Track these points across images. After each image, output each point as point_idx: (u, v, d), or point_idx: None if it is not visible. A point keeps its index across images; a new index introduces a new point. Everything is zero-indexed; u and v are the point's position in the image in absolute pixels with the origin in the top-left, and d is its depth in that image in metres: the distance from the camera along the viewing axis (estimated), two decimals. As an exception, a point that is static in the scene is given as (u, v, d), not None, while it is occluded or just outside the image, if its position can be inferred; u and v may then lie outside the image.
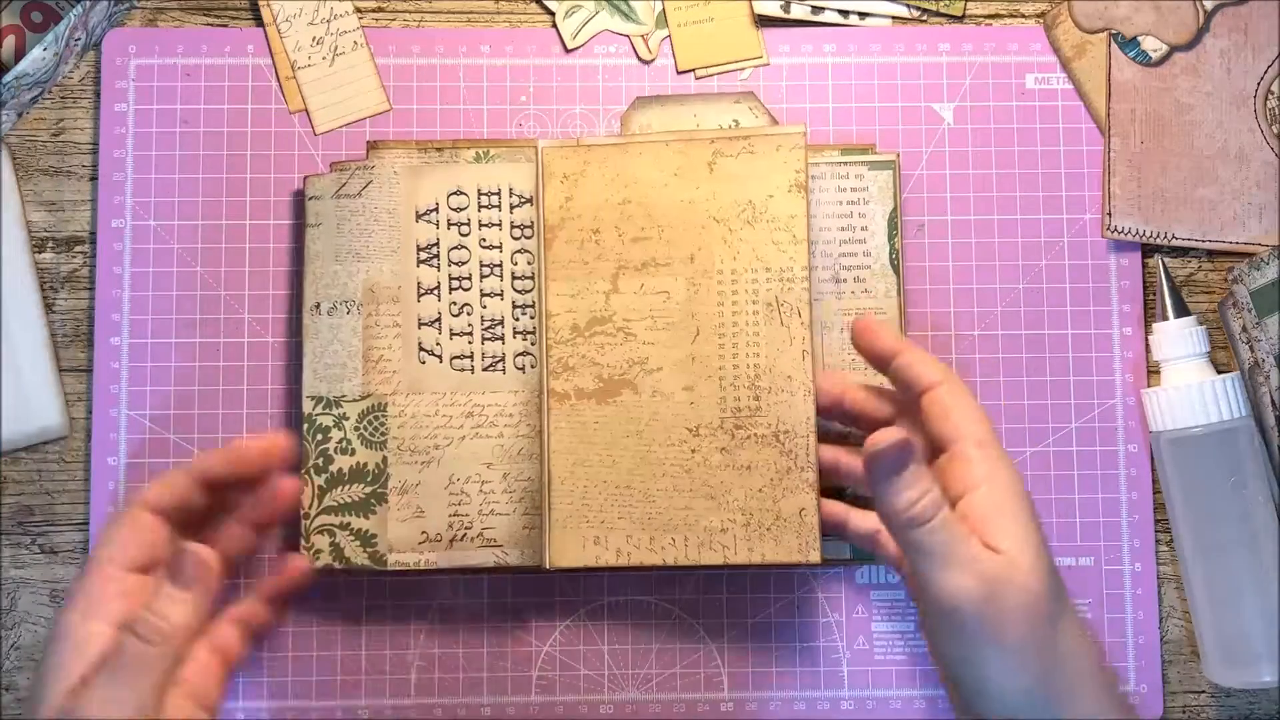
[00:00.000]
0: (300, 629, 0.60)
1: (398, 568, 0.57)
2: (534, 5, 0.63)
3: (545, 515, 0.57)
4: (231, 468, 0.54)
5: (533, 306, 0.58)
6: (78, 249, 0.61)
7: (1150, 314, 0.62)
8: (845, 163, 0.60)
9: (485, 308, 0.59)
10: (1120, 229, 0.61)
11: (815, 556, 0.55)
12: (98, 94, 0.61)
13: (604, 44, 0.62)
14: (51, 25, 0.61)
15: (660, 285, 0.57)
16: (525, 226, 0.59)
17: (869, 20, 0.63)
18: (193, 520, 0.55)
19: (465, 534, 0.57)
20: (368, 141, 0.60)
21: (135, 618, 0.49)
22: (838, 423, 0.57)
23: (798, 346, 0.56)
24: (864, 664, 0.60)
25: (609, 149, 0.58)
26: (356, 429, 0.58)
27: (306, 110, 0.62)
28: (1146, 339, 0.61)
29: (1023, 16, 0.63)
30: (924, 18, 0.63)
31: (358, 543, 0.57)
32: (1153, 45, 0.62)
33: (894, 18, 0.63)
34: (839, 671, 0.60)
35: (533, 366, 0.58)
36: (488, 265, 0.59)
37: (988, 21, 0.63)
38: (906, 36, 0.62)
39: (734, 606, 0.60)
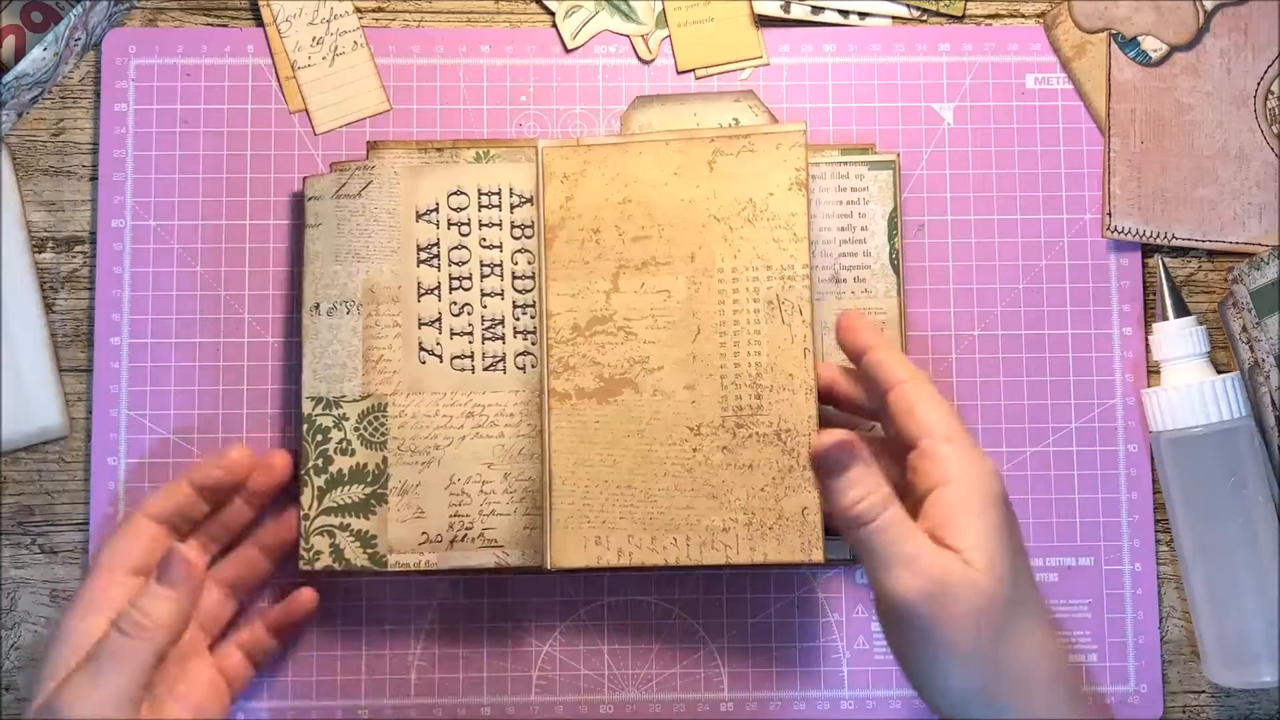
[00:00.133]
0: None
1: (398, 569, 0.57)
2: (534, 5, 0.63)
3: (546, 515, 0.57)
4: (232, 479, 0.56)
5: (533, 306, 0.58)
6: (78, 249, 0.61)
7: (1150, 314, 0.62)
8: (845, 163, 0.60)
9: (486, 307, 0.59)
10: (1120, 229, 0.61)
11: (818, 555, 0.54)
12: (98, 94, 0.61)
13: (604, 44, 0.62)
14: (51, 25, 0.61)
15: (661, 284, 0.57)
16: (525, 226, 0.59)
17: (869, 20, 0.63)
18: (196, 526, 0.57)
19: (466, 534, 0.57)
20: (368, 141, 0.60)
21: (119, 612, 0.50)
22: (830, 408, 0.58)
23: (799, 344, 0.56)
24: (864, 664, 0.60)
25: (609, 149, 0.58)
26: (356, 429, 0.58)
27: (306, 110, 0.61)
28: (1146, 339, 0.61)
29: (1023, 16, 0.63)
30: (924, 18, 0.63)
31: (358, 544, 0.57)
32: (1153, 45, 0.62)
33: (894, 18, 0.63)
34: (839, 671, 0.60)
35: (533, 366, 0.58)
36: (488, 265, 0.59)
37: (988, 21, 0.63)
38: (906, 36, 0.62)
39: (734, 606, 0.60)
